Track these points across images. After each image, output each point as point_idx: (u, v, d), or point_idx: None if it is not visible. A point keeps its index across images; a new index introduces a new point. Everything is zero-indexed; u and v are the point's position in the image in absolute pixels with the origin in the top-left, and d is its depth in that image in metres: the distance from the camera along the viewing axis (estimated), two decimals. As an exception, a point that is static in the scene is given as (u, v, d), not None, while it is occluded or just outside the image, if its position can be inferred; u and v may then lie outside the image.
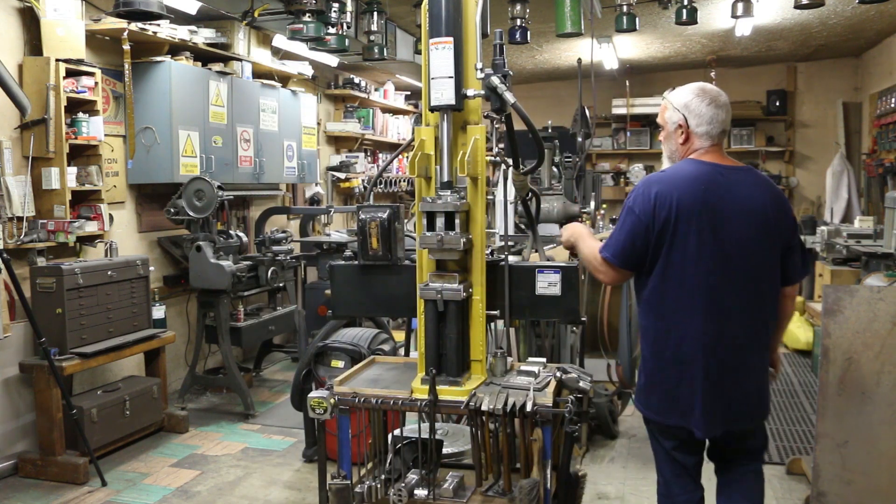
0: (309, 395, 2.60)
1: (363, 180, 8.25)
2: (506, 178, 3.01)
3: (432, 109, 2.55)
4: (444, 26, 2.47)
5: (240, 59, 5.88)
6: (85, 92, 4.54)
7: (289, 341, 6.91)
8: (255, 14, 4.91)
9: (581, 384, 2.55)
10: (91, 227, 4.62)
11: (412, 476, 2.60)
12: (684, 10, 5.25)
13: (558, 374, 2.60)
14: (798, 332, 6.86)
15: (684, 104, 2.48)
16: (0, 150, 4.14)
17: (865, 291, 3.21)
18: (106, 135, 4.80)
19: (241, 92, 5.88)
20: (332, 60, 7.19)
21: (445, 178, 2.54)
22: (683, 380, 2.43)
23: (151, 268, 4.86)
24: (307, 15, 4.69)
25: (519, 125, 2.71)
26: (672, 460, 2.59)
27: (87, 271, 4.29)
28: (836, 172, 8.84)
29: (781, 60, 9.37)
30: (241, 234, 5.49)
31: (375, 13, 5.59)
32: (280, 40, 6.30)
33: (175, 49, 5.25)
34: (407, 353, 3.59)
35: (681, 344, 2.42)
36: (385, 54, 5.74)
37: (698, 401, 2.41)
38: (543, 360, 2.83)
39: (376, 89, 8.81)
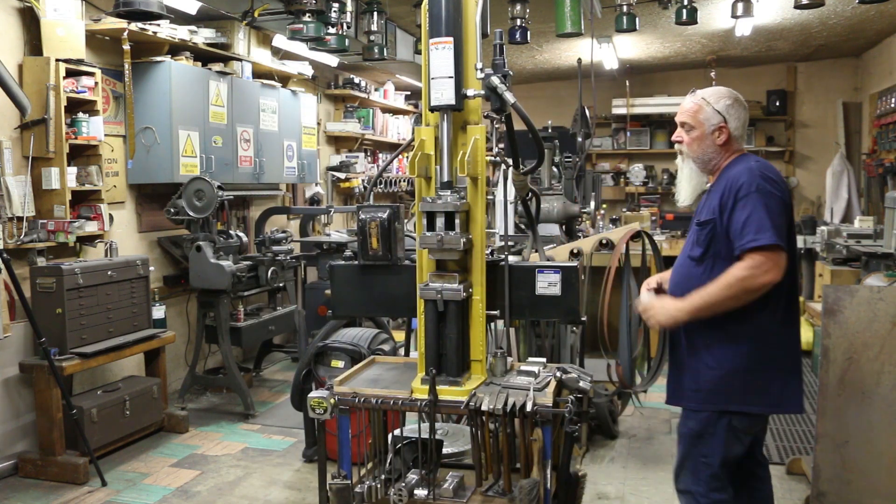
0: (309, 395, 2.61)
1: (363, 180, 8.25)
2: (506, 178, 3.01)
3: (432, 109, 2.55)
4: (444, 26, 2.48)
5: (240, 59, 5.88)
6: (85, 92, 4.54)
7: (289, 341, 6.91)
8: (255, 14, 4.91)
9: (581, 384, 2.55)
10: (91, 227, 4.62)
11: (412, 476, 2.60)
12: (684, 10, 5.25)
13: (558, 374, 2.60)
14: (798, 332, 6.84)
15: (725, 107, 2.55)
16: (0, 150, 4.14)
17: (865, 291, 3.21)
18: (106, 135, 4.80)
19: (241, 92, 5.88)
20: (332, 60, 7.19)
21: (445, 178, 2.54)
22: (796, 359, 2.55)
23: (151, 268, 4.86)
24: (307, 15, 4.69)
25: (519, 125, 2.72)
26: (732, 458, 2.56)
27: (87, 271, 4.29)
28: (836, 172, 8.84)
29: (781, 60, 9.37)
30: (241, 234, 5.49)
31: (375, 13, 5.59)
32: (280, 40, 6.30)
33: (175, 49, 5.25)
34: (407, 353, 3.60)
35: (796, 322, 2.56)
36: (385, 54, 5.74)
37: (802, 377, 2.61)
38: (543, 360, 2.84)
39: (376, 89, 8.81)
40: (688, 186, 2.65)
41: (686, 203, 2.68)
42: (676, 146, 2.66)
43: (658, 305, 2.57)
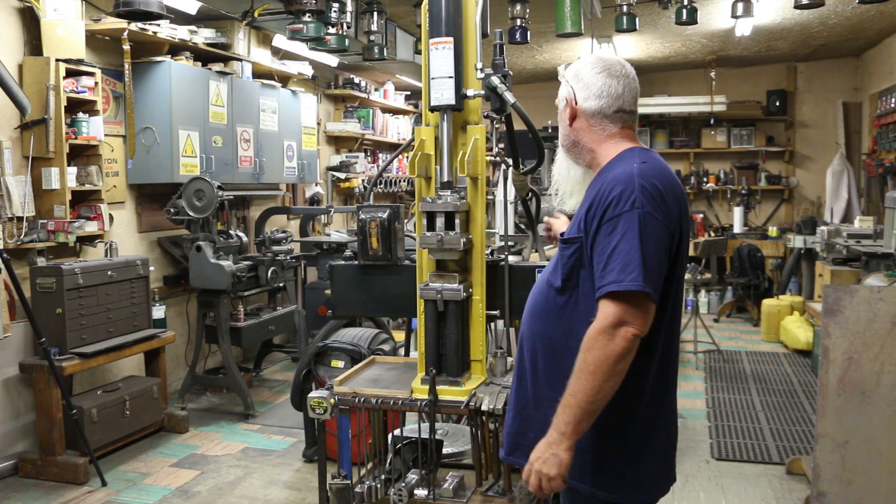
0: (309, 395, 2.61)
1: (363, 180, 8.25)
2: (506, 178, 3.01)
3: (432, 109, 2.55)
4: (444, 26, 2.48)
5: (240, 59, 5.88)
6: (85, 92, 4.54)
7: (289, 341, 6.91)
8: (255, 14, 4.91)
9: (581, 384, 2.55)
10: (91, 227, 4.62)
11: (412, 476, 2.60)
12: (684, 10, 5.25)
13: (558, 374, 2.60)
14: (798, 332, 6.86)
15: (573, 75, 1.92)
16: (0, 150, 4.14)
17: (865, 291, 3.21)
18: (106, 135, 4.80)
19: (241, 92, 5.88)
20: (332, 60, 7.19)
21: (445, 178, 2.54)
22: (672, 438, 1.94)
23: (151, 268, 4.86)
24: (307, 15, 4.69)
25: (519, 125, 2.72)
26: None
27: (87, 271, 4.29)
28: (836, 172, 8.84)
29: (781, 60, 9.37)
30: (241, 234, 5.49)
31: (375, 13, 5.59)
32: (280, 40, 6.30)
33: (175, 49, 5.25)
34: (407, 353, 3.59)
35: (673, 385, 1.92)
36: (385, 54, 5.74)
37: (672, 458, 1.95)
38: (543, 360, 2.83)
39: (376, 89, 8.81)
40: (566, 184, 2.00)
41: (571, 207, 2.00)
42: None
43: (535, 457, 1.74)
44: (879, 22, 7.19)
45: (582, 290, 1.80)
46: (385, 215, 2.79)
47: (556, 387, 1.78)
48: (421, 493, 2.55)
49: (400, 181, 8.96)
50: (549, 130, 6.17)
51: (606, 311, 1.67)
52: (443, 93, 2.48)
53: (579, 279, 1.80)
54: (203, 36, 5.38)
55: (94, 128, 4.60)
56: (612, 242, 1.69)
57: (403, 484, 2.55)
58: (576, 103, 1.90)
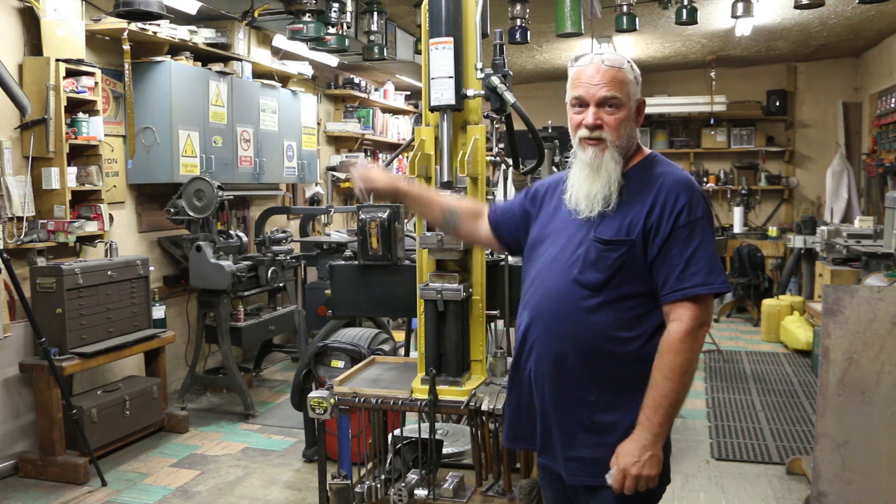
0: (309, 395, 2.61)
1: (363, 180, 8.23)
2: (506, 178, 3.01)
3: (432, 109, 2.55)
4: (444, 26, 2.48)
5: (240, 59, 5.88)
6: (85, 92, 4.54)
7: (289, 341, 6.91)
8: (255, 14, 4.91)
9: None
10: (91, 227, 4.62)
11: (412, 476, 2.61)
12: (684, 10, 5.25)
13: (558, 374, 2.60)
14: (798, 332, 6.86)
15: (636, 77, 1.92)
16: (0, 150, 4.14)
17: (865, 291, 3.21)
18: (106, 135, 4.80)
19: (241, 92, 5.88)
20: (332, 60, 7.19)
21: (445, 178, 2.55)
22: None
23: (151, 268, 4.86)
24: (307, 15, 4.69)
25: (519, 125, 2.72)
26: None
27: (87, 271, 4.29)
28: (836, 172, 8.84)
29: (781, 60, 9.37)
30: (241, 234, 5.49)
31: (375, 13, 5.59)
32: (280, 40, 6.30)
33: (175, 49, 5.25)
34: (407, 353, 3.60)
35: None
36: (385, 54, 5.74)
37: None
38: (543, 360, 2.83)
39: (376, 89, 8.81)
40: (607, 186, 1.85)
41: (593, 212, 1.87)
42: (592, 133, 1.87)
43: (631, 461, 1.76)
44: (879, 22, 7.19)
45: (624, 290, 1.82)
46: (385, 215, 2.79)
47: (588, 387, 1.85)
48: (421, 493, 2.55)
49: (400, 181, 8.94)
50: (549, 130, 6.17)
51: (690, 312, 1.76)
52: (443, 93, 2.49)
53: (622, 280, 1.82)
54: (203, 36, 5.38)
55: (94, 128, 4.60)
56: (689, 247, 1.78)
57: (403, 484, 2.55)
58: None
